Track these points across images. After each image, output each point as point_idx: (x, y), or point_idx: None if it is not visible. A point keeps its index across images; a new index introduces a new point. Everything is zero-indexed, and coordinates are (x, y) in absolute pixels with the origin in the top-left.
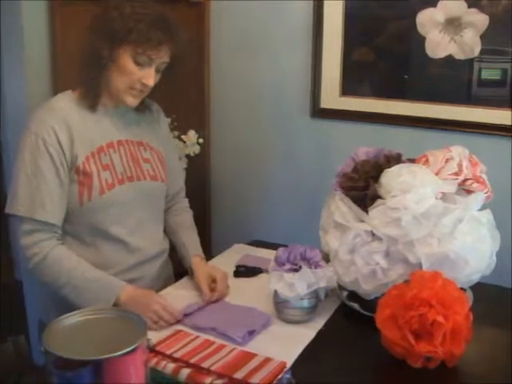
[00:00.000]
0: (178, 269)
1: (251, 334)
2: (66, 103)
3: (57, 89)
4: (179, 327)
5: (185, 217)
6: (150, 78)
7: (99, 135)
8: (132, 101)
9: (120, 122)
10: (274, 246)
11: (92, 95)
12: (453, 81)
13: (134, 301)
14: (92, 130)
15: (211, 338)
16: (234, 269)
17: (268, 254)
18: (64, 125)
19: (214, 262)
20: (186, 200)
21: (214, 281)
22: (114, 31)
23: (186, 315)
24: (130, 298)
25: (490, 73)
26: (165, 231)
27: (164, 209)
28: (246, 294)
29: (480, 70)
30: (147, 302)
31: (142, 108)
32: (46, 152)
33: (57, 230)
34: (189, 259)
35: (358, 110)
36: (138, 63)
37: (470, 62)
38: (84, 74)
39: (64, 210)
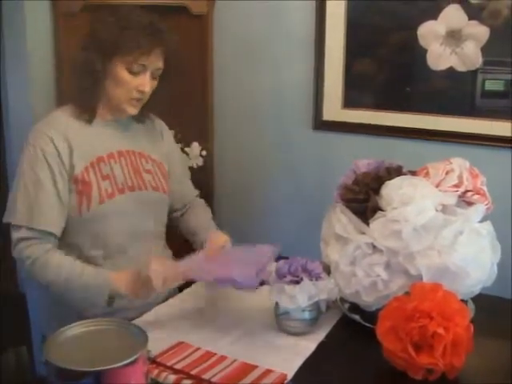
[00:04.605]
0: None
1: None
2: (65, 116)
3: (61, 104)
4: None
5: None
6: (145, 85)
7: (99, 146)
8: (132, 109)
9: (121, 134)
10: (276, 258)
11: (88, 109)
12: (456, 92)
13: (131, 286)
14: (92, 141)
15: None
16: None
17: (270, 266)
18: (62, 136)
19: None
20: (202, 200)
21: None
22: (102, 42)
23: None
24: (126, 285)
25: (494, 84)
26: (169, 240)
27: (178, 215)
28: (248, 305)
29: (484, 81)
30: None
31: (142, 119)
32: (44, 162)
33: (53, 240)
34: (205, 235)
35: (360, 122)
36: (132, 72)
37: (474, 73)
38: (79, 88)
39: (63, 222)
